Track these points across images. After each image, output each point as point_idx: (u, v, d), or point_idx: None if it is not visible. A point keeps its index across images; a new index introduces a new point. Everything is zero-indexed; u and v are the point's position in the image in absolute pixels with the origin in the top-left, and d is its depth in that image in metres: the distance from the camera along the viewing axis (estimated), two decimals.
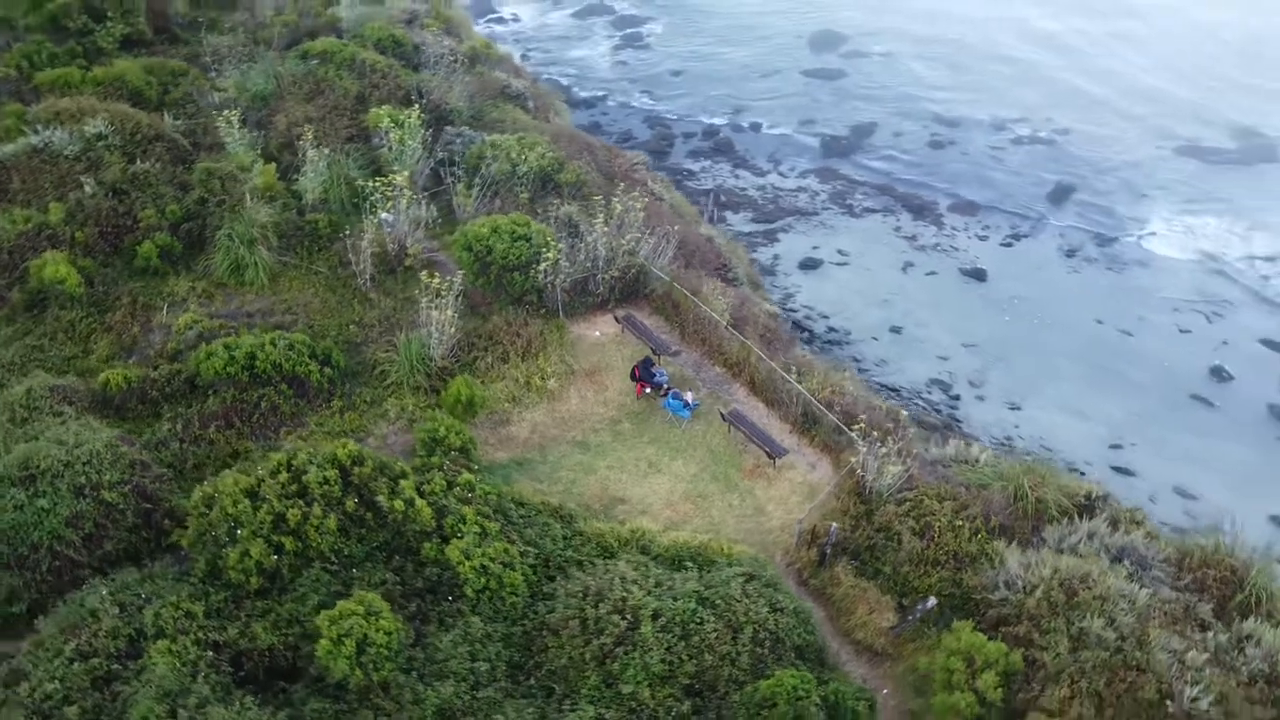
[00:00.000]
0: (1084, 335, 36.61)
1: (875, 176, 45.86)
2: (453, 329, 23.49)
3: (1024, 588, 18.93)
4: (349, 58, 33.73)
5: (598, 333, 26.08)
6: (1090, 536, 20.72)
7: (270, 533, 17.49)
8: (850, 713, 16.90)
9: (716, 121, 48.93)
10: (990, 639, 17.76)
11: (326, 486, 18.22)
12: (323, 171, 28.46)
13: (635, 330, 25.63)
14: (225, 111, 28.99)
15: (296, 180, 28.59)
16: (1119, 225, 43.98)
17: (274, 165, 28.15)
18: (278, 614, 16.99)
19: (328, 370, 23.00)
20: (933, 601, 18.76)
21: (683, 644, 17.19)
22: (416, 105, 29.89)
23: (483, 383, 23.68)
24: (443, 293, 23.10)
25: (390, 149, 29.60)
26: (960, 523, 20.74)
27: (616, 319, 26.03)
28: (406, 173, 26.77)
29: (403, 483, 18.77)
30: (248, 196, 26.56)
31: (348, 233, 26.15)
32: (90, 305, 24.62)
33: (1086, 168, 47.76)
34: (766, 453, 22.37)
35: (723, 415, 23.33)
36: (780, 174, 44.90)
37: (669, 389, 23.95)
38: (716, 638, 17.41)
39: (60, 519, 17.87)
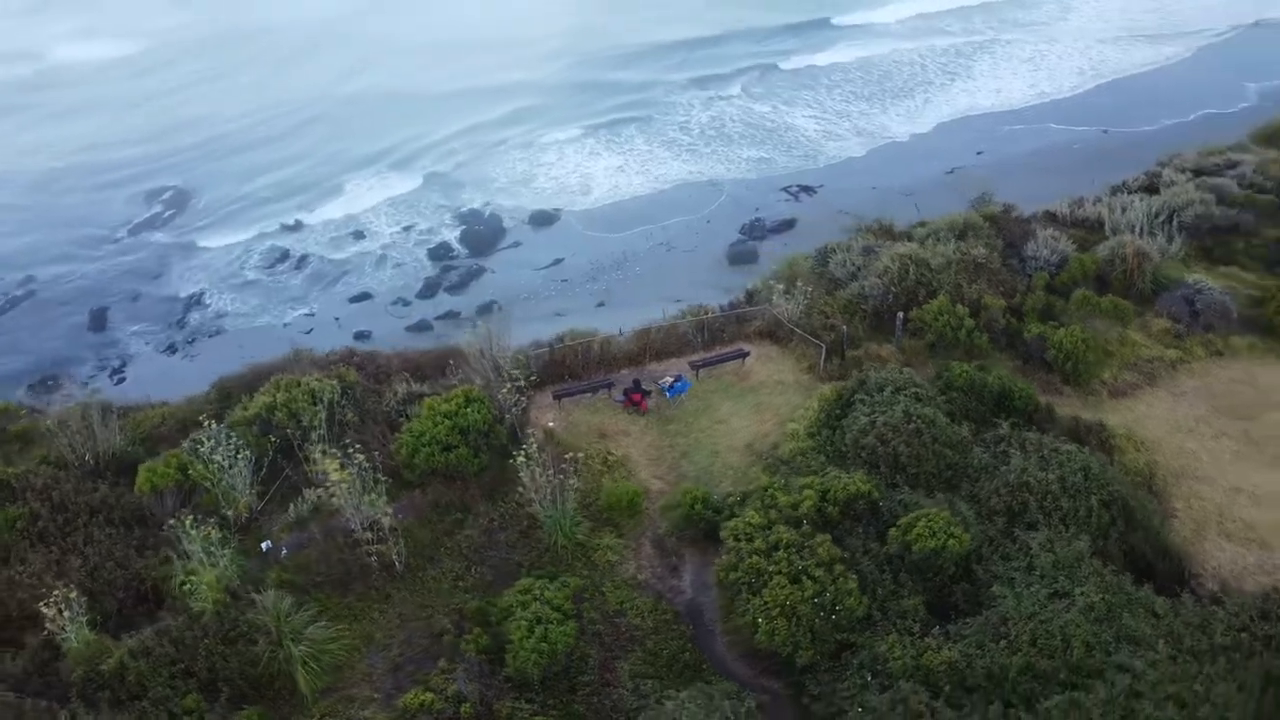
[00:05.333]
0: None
1: None
2: (578, 475, 24.96)
3: (893, 280, 32.35)
4: None
5: (551, 421, 29.03)
6: (862, 255, 34.64)
7: (827, 574, 21.06)
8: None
9: None
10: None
11: (798, 528, 22.13)
12: (204, 559, 23.15)
13: (573, 394, 29.57)
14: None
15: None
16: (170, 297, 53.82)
17: (213, 574, 22.03)
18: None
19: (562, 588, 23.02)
20: (901, 315, 30.92)
21: (933, 432, 26.34)
22: (207, 422, 25.28)
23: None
24: (537, 453, 24.34)
25: (211, 489, 25.13)
26: (827, 296, 32.95)
27: (555, 396, 29.34)
28: (334, 462, 24.01)
29: (801, 494, 23.50)
30: (258, 621, 21.25)
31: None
32: None
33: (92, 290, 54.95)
34: (741, 358, 30.59)
35: (691, 365, 30.37)
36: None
37: (645, 390, 29.48)
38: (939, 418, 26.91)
39: None
